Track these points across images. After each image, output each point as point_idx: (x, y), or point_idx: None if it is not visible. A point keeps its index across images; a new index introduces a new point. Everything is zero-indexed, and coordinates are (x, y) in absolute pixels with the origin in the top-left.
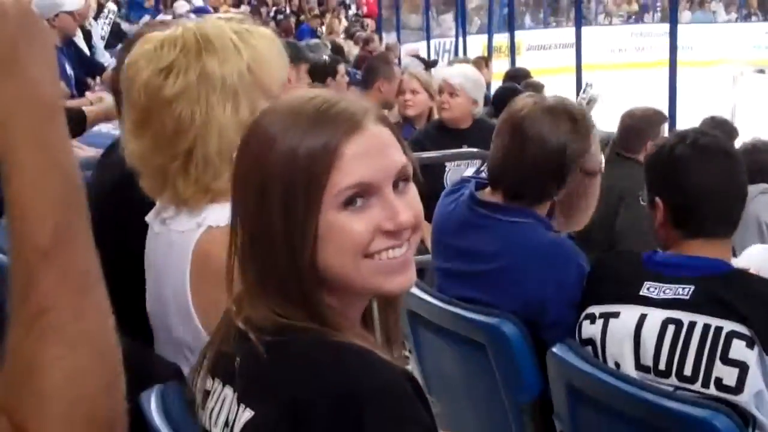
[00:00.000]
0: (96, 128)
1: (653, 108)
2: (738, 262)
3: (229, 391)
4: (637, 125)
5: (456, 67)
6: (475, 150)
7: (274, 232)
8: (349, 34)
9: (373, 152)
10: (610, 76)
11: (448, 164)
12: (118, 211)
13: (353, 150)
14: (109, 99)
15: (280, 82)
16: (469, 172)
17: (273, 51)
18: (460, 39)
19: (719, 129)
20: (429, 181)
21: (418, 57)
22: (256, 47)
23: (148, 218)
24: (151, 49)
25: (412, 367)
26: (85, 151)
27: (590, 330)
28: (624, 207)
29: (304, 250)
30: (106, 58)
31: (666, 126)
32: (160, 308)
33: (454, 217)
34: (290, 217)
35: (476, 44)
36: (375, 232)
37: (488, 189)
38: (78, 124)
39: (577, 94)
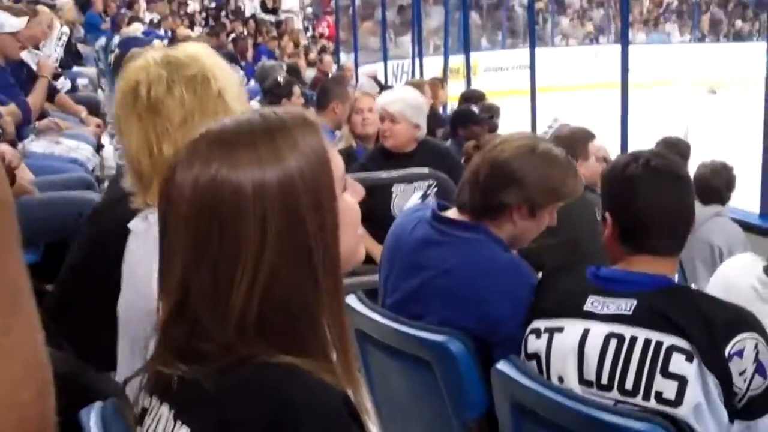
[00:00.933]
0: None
1: (579, 127)
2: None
3: (165, 409)
4: (562, 146)
5: (395, 93)
6: (425, 170)
7: (308, 253)
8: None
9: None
10: (566, 97)
11: (395, 188)
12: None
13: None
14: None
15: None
16: (417, 195)
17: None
18: (417, 60)
19: (673, 150)
20: (376, 205)
21: (375, 79)
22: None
23: (132, 224)
24: (167, 63)
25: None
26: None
27: (535, 344)
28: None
29: (335, 250)
30: (60, 80)
31: (595, 142)
32: (129, 306)
33: (415, 234)
34: (324, 227)
35: (433, 65)
36: None
37: (453, 209)
38: None
39: (533, 120)
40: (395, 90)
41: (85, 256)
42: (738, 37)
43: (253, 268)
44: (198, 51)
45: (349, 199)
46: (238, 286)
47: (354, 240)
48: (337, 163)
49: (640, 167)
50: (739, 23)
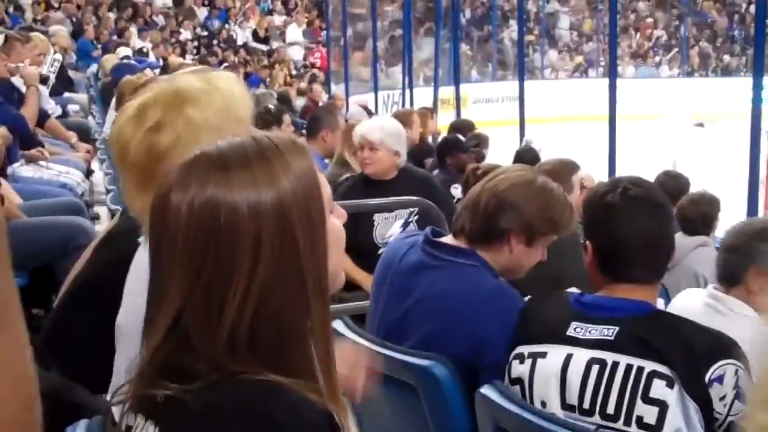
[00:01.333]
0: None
1: (563, 159)
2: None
3: (150, 426)
4: None
5: (374, 121)
6: (413, 198)
7: (300, 273)
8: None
9: None
10: (555, 129)
11: (376, 217)
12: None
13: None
14: None
15: (248, 110)
16: (398, 223)
17: (237, 87)
18: (407, 91)
19: (674, 183)
20: (358, 235)
21: (365, 108)
22: (223, 87)
23: (143, 239)
24: (133, 114)
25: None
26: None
27: (519, 369)
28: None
29: (325, 270)
30: (51, 106)
31: (580, 173)
32: (129, 314)
33: (407, 259)
34: (315, 247)
35: (424, 96)
36: None
37: (448, 236)
38: None
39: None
40: (375, 119)
41: (97, 277)
42: (726, 71)
43: (246, 287)
44: (173, 93)
45: (335, 221)
46: (231, 304)
47: (339, 262)
48: (325, 187)
49: (617, 195)
50: (727, 58)
